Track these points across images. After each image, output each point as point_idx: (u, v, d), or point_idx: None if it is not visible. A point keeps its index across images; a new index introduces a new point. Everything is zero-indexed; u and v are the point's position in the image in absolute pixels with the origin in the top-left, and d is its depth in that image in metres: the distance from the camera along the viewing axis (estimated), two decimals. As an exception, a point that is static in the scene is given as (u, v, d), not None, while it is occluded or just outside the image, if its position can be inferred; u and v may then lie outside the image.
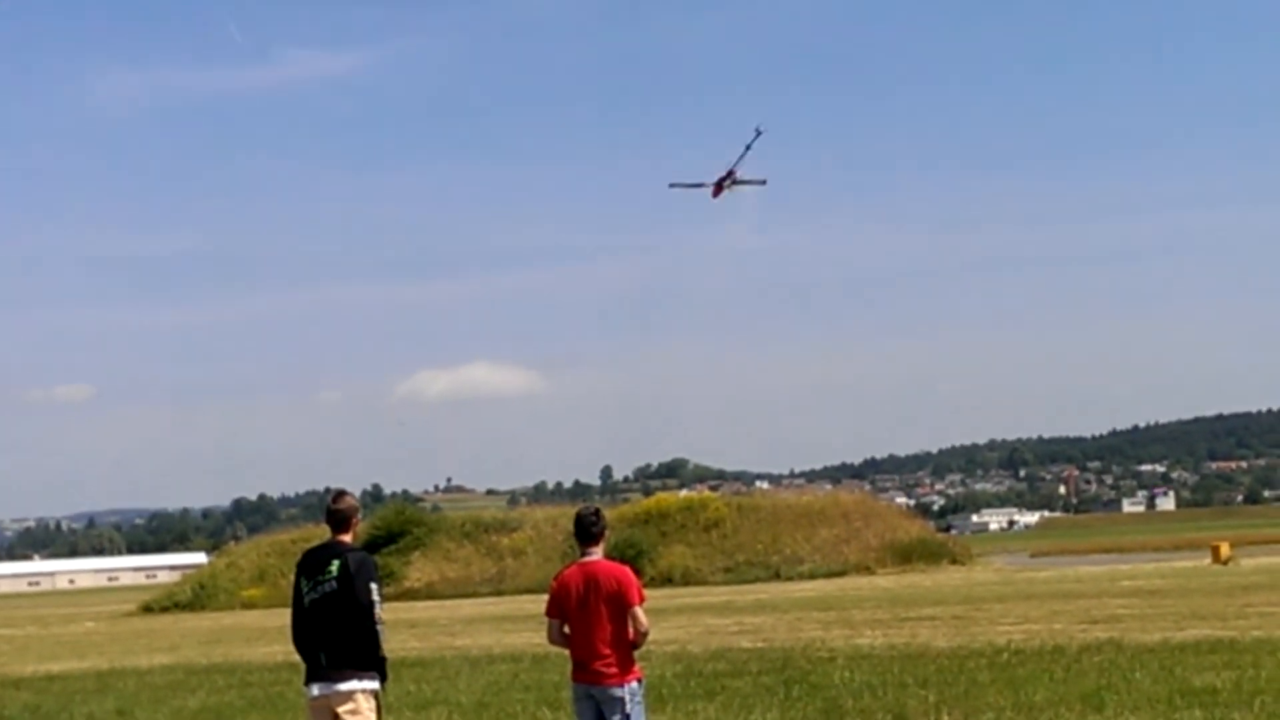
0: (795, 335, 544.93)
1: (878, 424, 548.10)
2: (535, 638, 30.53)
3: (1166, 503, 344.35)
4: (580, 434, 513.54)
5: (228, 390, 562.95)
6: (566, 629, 13.49)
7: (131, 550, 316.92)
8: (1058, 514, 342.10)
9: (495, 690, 27.58)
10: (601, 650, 13.27)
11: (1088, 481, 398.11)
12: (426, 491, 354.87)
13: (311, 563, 13.38)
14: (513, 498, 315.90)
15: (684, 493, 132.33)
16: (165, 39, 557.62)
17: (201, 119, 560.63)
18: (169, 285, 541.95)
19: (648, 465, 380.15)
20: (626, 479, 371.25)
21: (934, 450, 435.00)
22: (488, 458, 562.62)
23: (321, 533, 13.74)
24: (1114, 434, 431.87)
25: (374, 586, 13.13)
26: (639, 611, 13.32)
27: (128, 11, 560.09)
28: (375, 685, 13.19)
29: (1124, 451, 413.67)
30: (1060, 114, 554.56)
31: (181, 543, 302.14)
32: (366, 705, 13.13)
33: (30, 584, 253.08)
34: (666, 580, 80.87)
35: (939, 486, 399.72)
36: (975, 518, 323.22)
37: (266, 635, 50.87)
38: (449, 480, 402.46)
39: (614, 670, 13.28)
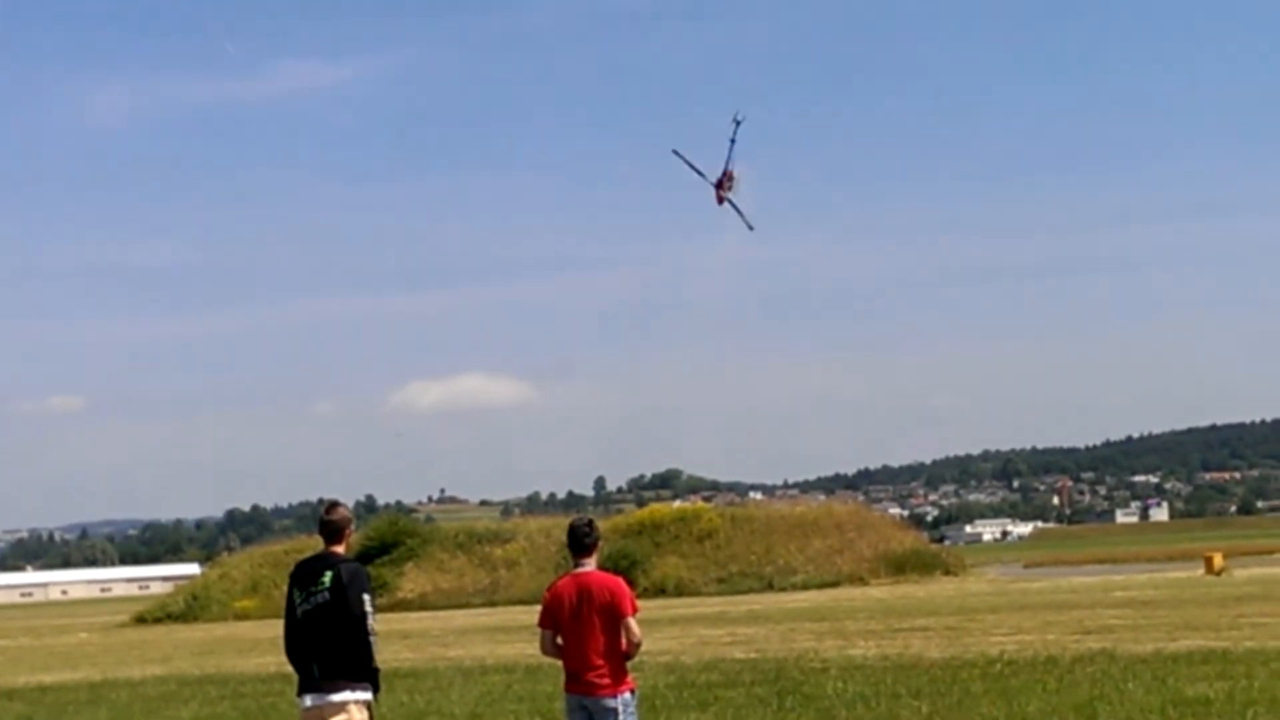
0: (789, 346, 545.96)
1: (871, 435, 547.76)
2: (528, 649, 30.51)
3: (1160, 513, 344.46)
4: (574, 445, 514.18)
5: (221, 401, 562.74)
6: (560, 640, 13.51)
7: (124, 561, 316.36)
8: (1051, 525, 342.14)
9: (488, 701, 27.58)
10: (595, 661, 13.29)
11: (1081, 492, 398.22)
12: (420, 502, 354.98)
13: (304, 574, 13.39)
14: (506, 508, 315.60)
15: (677, 503, 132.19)
16: (161, 50, 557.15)
17: (194, 130, 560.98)
18: (162, 296, 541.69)
19: (641, 476, 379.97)
20: (620, 490, 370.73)
21: (928, 461, 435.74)
22: (481, 468, 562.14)
23: (314, 544, 13.75)
24: (1107, 445, 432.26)
25: (367, 597, 13.14)
26: (632, 622, 13.33)
27: (123, 22, 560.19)
28: (368, 696, 13.20)
29: (1117, 462, 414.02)
30: (1053, 125, 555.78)
31: (174, 554, 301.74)
32: (359, 716, 13.14)
33: (23, 595, 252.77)
34: (660, 591, 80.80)
35: (932, 497, 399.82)
36: (969, 528, 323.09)
37: (259, 646, 50.83)
38: (442, 491, 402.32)
39: (607, 681, 13.29)
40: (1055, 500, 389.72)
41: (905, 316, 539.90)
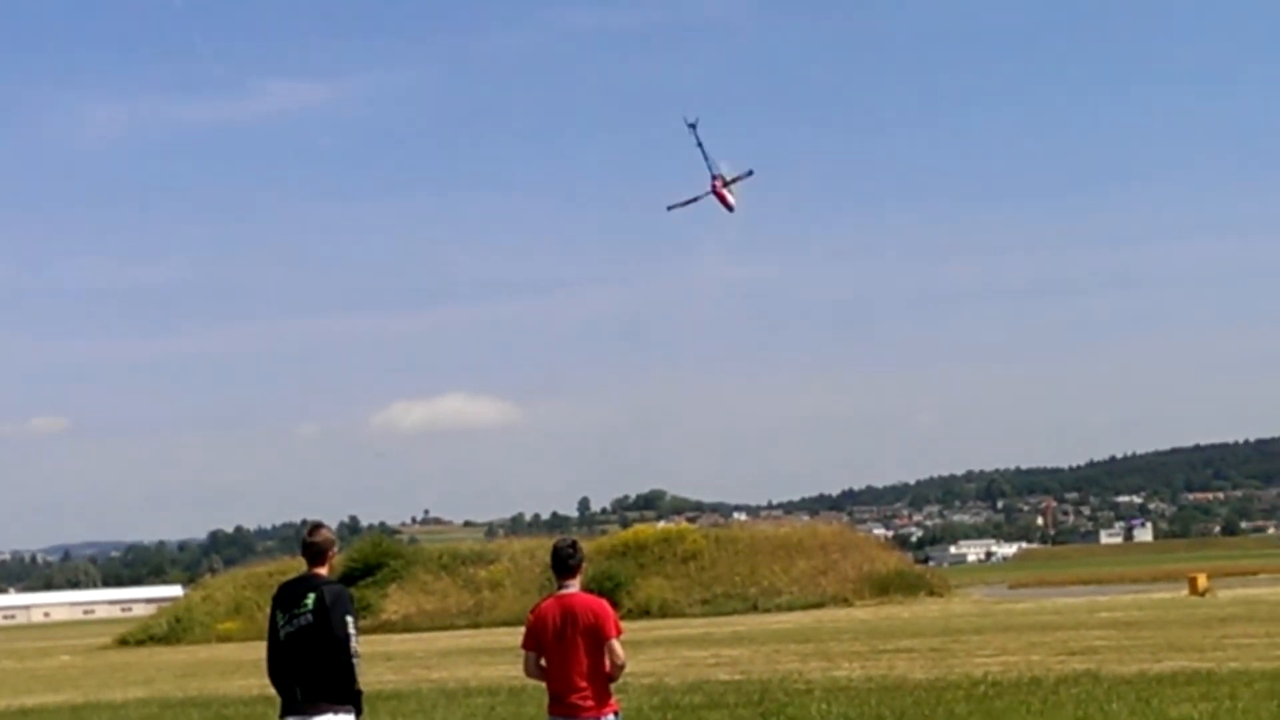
0: (773, 367, 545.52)
1: (856, 455, 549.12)
2: (512, 670, 30.44)
3: (1144, 534, 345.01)
4: (557, 466, 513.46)
5: (204, 422, 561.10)
6: (543, 662, 13.48)
7: (107, 583, 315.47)
8: (1035, 545, 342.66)
9: (472, 723, 27.53)
10: (578, 683, 13.26)
11: (1065, 513, 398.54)
12: (404, 524, 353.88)
13: (287, 596, 13.35)
14: (490, 530, 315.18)
15: (662, 524, 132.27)
16: (150, 70, 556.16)
17: (177, 150, 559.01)
18: (145, 317, 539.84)
19: (625, 497, 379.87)
20: (604, 511, 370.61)
21: (912, 482, 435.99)
22: (465, 490, 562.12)
23: (298, 565, 13.72)
24: (1091, 465, 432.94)
25: (350, 619, 13.10)
26: (616, 644, 13.31)
27: (113, 43, 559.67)
28: (351, 718, 13.15)
29: (1101, 483, 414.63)
30: (1038, 147, 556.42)
31: (157, 575, 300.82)
32: (342, 738, 13.09)
33: (5, 617, 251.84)
34: (644, 612, 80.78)
35: (917, 518, 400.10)
36: (953, 549, 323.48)
37: (242, 668, 50.68)
38: (426, 512, 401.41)
39: (591, 703, 13.27)
40: (1039, 521, 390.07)
41: (889, 337, 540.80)
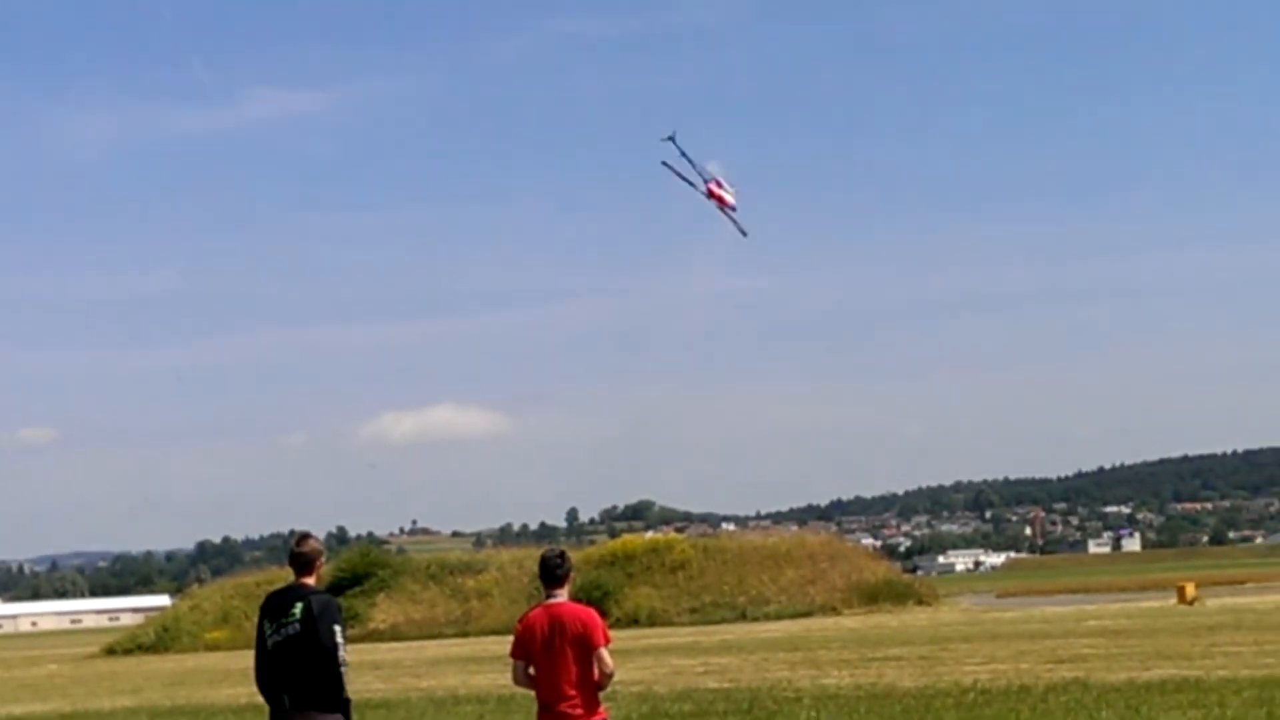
0: (762, 378, 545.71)
1: (844, 466, 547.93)
2: (501, 679, 30.41)
3: (1132, 543, 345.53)
4: (546, 476, 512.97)
5: (192, 432, 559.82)
6: (532, 671, 13.47)
7: (94, 593, 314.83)
8: (1024, 555, 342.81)
9: (460, 733, 27.48)
10: (567, 692, 13.26)
11: (1054, 522, 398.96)
12: (392, 534, 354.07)
13: (275, 605, 13.34)
14: (478, 539, 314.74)
15: (650, 534, 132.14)
16: (138, 79, 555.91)
17: (165, 160, 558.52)
18: (132, 327, 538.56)
19: (614, 507, 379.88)
20: (592, 521, 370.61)
21: (900, 492, 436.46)
22: (453, 500, 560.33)
23: (285, 575, 13.71)
24: (1080, 475, 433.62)
25: (337, 629, 13.09)
26: (604, 653, 13.31)
27: (99, 52, 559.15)
28: (339, 727, 13.13)
29: (1090, 493, 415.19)
30: (1024, 156, 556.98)
31: (145, 585, 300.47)
32: (330, 747, 13.07)
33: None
34: (633, 621, 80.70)
35: (905, 528, 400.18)
36: (941, 559, 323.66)
37: (230, 678, 50.60)
38: (414, 522, 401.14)
39: (579, 712, 13.27)
40: (1028, 531, 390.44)
41: (877, 348, 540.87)
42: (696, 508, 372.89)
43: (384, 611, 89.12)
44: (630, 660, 43.07)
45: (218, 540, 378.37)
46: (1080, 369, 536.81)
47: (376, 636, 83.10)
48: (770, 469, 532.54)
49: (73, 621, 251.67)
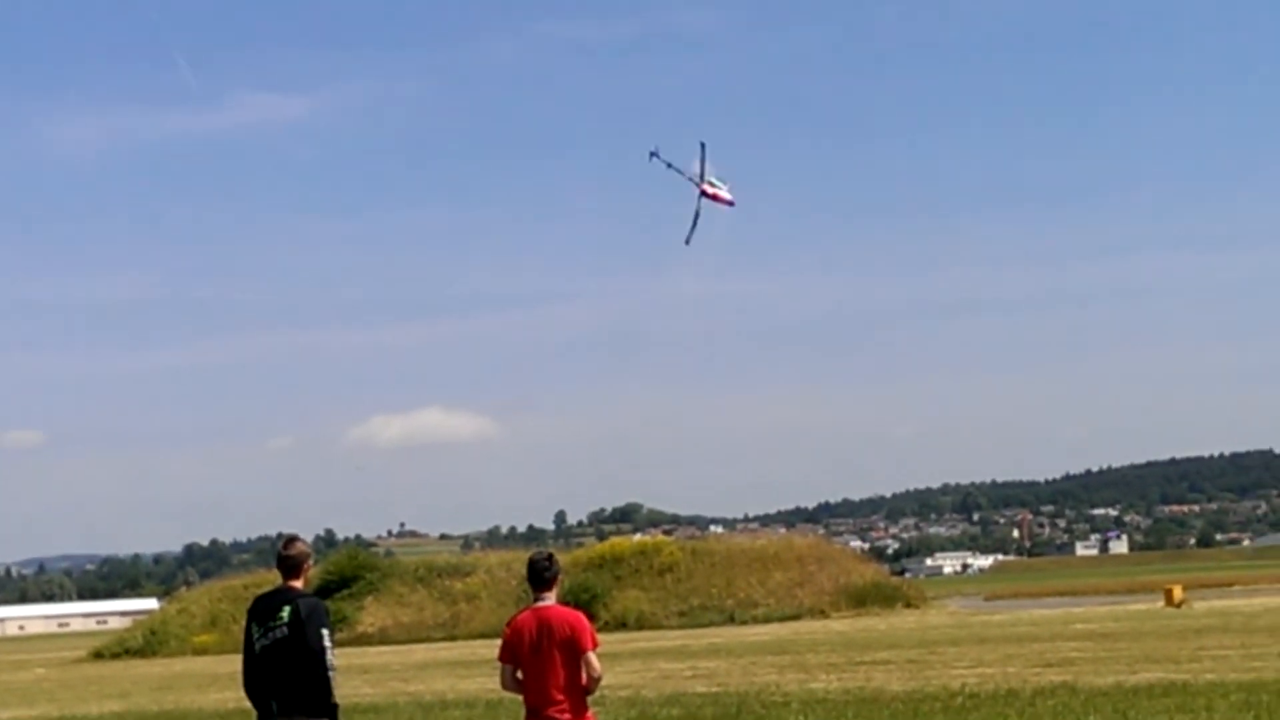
0: (749, 381, 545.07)
1: (832, 468, 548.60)
2: (489, 683, 30.39)
3: (1119, 546, 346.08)
4: (534, 479, 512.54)
5: (179, 435, 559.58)
6: (520, 674, 13.46)
7: (82, 596, 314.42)
8: (1011, 557, 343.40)
9: (448, 736, 27.46)
10: (555, 695, 13.25)
11: (1041, 525, 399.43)
12: (380, 536, 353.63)
13: (263, 609, 13.32)
14: (466, 542, 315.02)
15: (638, 537, 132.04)
16: (122, 83, 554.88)
17: (151, 164, 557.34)
18: (120, 330, 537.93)
19: (602, 510, 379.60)
20: (581, 523, 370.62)
21: (888, 494, 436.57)
22: (441, 503, 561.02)
23: (273, 578, 13.69)
24: (1067, 478, 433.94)
25: (325, 632, 13.08)
26: (592, 657, 13.30)
27: (87, 56, 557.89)
28: (327, 731, 13.12)
29: (1077, 495, 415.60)
30: (1016, 160, 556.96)
31: (133, 588, 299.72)
32: (318, 752, 13.05)
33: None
34: (621, 625, 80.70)
35: (893, 530, 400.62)
36: (929, 561, 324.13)
37: (218, 681, 50.52)
38: (402, 525, 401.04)
39: (568, 715, 13.26)
40: (1015, 533, 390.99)
41: (865, 351, 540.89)
42: (684, 510, 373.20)
43: (372, 614, 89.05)
44: (618, 664, 43.05)
45: (205, 543, 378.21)
46: (1067, 372, 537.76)
47: (365, 640, 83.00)
48: (758, 471, 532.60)
49: (60, 625, 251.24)
